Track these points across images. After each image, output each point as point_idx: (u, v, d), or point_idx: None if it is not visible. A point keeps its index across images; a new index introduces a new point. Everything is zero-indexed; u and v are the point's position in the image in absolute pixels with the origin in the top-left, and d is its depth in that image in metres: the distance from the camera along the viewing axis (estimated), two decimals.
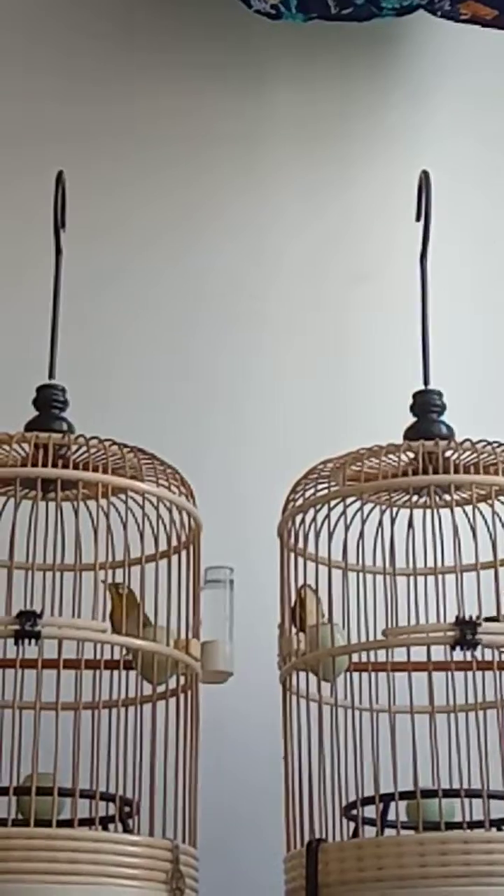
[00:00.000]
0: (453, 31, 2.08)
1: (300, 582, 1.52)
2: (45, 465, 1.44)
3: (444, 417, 1.54)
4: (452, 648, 1.39)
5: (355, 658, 1.47)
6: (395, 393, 1.58)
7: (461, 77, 2.17)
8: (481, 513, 1.48)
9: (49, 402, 1.53)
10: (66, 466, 1.46)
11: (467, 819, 1.38)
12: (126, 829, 1.41)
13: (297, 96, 2.14)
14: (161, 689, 1.45)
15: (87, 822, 1.37)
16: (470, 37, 2.10)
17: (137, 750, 1.40)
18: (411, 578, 1.53)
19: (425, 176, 1.62)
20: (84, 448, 1.47)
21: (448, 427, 1.53)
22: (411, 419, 1.55)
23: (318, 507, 1.50)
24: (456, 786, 1.39)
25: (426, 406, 1.54)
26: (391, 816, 1.41)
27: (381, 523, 1.48)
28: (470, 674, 1.43)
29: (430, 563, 1.52)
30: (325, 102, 2.14)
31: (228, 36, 2.14)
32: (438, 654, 1.42)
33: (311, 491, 1.52)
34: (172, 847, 1.37)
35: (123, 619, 1.46)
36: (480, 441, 1.48)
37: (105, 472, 1.45)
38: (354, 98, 2.15)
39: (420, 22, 2.07)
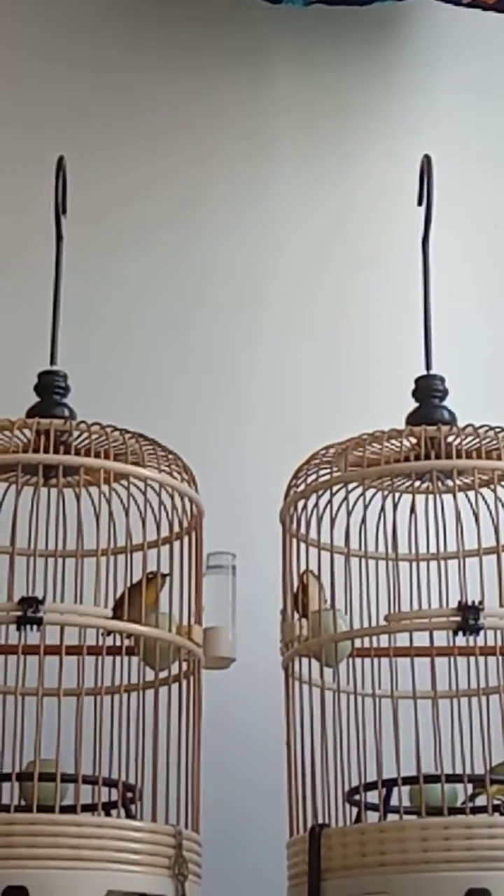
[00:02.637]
0: (454, 15, 2.07)
1: (302, 568, 1.52)
2: (46, 451, 1.44)
3: (446, 402, 1.54)
4: (455, 633, 1.39)
5: (358, 643, 1.47)
6: (398, 378, 1.58)
7: (462, 62, 2.16)
8: (484, 498, 1.48)
9: (51, 388, 1.53)
10: (67, 452, 1.46)
11: (470, 804, 1.38)
12: (129, 815, 1.40)
13: (297, 81, 2.14)
14: (163, 674, 1.45)
15: (89, 808, 1.37)
16: (471, 21, 2.09)
17: (140, 736, 1.40)
18: (414, 564, 1.53)
19: (427, 160, 1.61)
20: (86, 434, 1.47)
21: (450, 412, 1.53)
22: (413, 404, 1.54)
23: (320, 492, 1.50)
24: (459, 771, 1.39)
25: (428, 391, 1.54)
26: (394, 801, 1.40)
27: (383, 509, 1.48)
28: (472, 659, 1.43)
29: (433, 549, 1.51)
30: (325, 87, 2.13)
31: (229, 21, 2.14)
32: (441, 639, 1.42)
33: (314, 476, 1.52)
34: (175, 833, 1.37)
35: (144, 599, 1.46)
36: (483, 426, 1.48)
37: (107, 458, 1.45)
38: (355, 83, 2.14)
39: (420, 6, 2.07)
